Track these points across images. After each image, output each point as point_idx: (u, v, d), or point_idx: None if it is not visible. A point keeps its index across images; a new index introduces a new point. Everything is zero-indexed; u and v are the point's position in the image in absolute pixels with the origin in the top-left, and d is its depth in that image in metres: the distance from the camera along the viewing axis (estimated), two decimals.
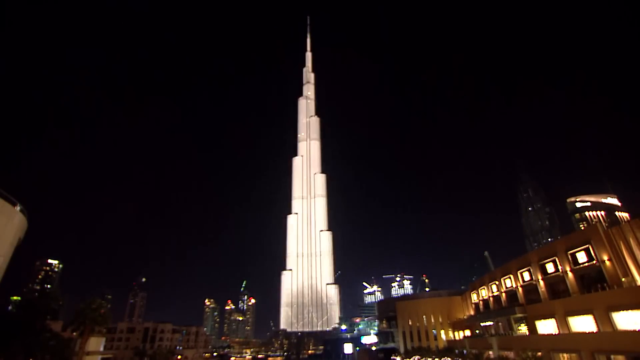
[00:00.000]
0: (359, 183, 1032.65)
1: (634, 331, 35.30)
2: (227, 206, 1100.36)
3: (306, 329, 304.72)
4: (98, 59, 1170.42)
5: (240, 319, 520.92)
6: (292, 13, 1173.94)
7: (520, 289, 56.76)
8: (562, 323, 45.65)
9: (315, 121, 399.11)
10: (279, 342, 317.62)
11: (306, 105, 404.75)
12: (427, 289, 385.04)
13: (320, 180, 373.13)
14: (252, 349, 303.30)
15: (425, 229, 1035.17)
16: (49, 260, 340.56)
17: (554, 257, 49.04)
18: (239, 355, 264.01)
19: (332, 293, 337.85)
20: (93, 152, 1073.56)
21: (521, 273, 56.34)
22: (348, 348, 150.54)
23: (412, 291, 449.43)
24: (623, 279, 38.73)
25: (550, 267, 49.89)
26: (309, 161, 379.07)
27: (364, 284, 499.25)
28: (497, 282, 64.61)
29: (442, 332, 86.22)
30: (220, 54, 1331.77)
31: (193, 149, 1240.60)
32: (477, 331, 71.56)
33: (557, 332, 46.57)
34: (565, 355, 45.01)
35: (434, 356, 73.68)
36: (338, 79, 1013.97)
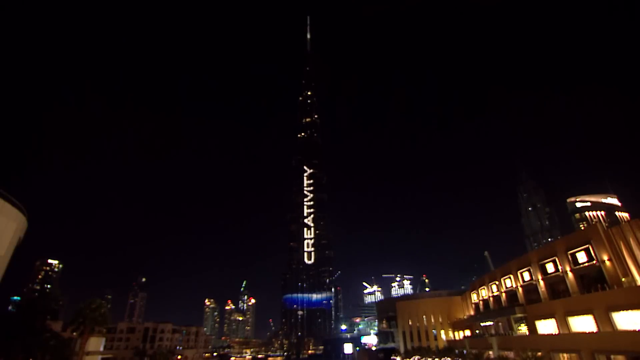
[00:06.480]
0: (359, 183, 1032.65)
1: (634, 331, 35.24)
2: (228, 206, 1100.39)
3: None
4: (98, 61, 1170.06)
5: (240, 319, 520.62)
6: (292, 13, 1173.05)
7: (520, 289, 56.68)
8: (562, 323, 45.59)
9: (315, 121, 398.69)
10: (279, 342, 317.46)
11: (306, 106, 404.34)
12: (427, 289, 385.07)
13: (321, 180, 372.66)
14: (252, 349, 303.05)
15: (425, 228, 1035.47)
16: (49, 260, 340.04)
17: (554, 257, 48.97)
18: (239, 355, 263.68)
19: None
20: (93, 153, 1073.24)
21: (521, 273, 56.27)
22: (348, 348, 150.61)
23: (412, 291, 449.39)
24: (623, 279, 38.65)
25: (550, 267, 49.82)
26: (309, 162, 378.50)
27: (364, 284, 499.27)
28: (497, 282, 64.54)
29: (442, 332, 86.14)
30: (220, 54, 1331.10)
31: (193, 150, 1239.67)
32: (477, 331, 71.48)
33: (557, 332, 46.50)
34: (565, 355, 44.97)
35: (434, 356, 73.60)
36: (339, 80, 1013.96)
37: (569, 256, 46.00)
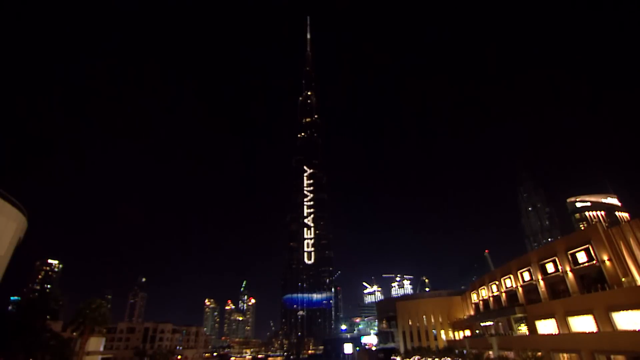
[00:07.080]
0: (360, 183, 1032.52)
1: (634, 331, 35.21)
2: (228, 206, 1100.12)
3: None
4: (99, 61, 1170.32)
5: (240, 319, 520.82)
6: (292, 12, 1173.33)
7: (520, 289, 56.63)
8: (562, 323, 45.55)
9: (315, 121, 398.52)
10: (279, 342, 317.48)
11: (306, 106, 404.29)
12: (427, 289, 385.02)
13: (321, 180, 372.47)
14: (252, 349, 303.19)
15: (425, 229, 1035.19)
16: (49, 260, 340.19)
17: (554, 257, 48.91)
18: (239, 355, 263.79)
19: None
20: (94, 153, 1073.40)
21: (521, 273, 56.22)
22: (348, 348, 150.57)
23: (412, 291, 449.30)
24: (623, 279, 38.61)
25: (550, 267, 49.75)
26: (309, 162, 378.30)
27: (364, 284, 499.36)
28: (497, 282, 64.49)
29: (442, 332, 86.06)
30: (219, 54, 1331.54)
31: (193, 150, 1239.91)
32: (477, 331, 71.44)
33: (557, 332, 46.47)
34: (565, 355, 44.94)
35: (434, 356, 73.56)
36: (339, 80, 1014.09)
37: (569, 256, 45.94)
